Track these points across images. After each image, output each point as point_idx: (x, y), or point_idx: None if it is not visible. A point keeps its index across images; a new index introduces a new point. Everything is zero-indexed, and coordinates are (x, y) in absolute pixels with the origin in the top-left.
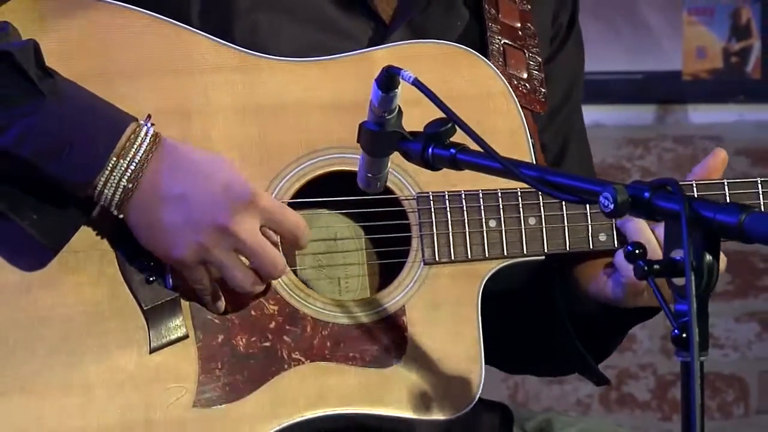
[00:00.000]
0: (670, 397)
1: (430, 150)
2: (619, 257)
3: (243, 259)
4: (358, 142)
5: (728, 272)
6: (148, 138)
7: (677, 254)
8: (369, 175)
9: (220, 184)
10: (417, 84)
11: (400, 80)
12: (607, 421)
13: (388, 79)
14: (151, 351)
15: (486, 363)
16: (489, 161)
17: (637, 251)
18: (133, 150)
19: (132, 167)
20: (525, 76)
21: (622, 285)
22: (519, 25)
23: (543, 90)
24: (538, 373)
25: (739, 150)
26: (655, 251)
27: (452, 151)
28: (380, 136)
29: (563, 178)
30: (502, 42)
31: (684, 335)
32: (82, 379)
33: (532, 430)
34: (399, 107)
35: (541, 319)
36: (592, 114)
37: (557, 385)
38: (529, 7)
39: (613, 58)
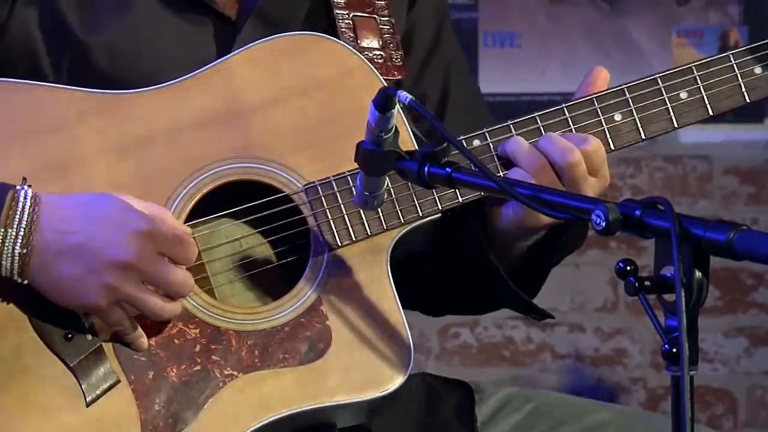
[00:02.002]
0: (661, 410)
1: (426, 169)
2: (510, 174)
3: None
4: (355, 161)
5: (717, 288)
6: (29, 200)
7: (668, 271)
8: (366, 193)
9: (110, 222)
10: (413, 104)
11: (397, 101)
12: (566, 395)
13: (385, 100)
14: (88, 404)
15: (407, 308)
16: (484, 180)
17: (628, 268)
18: (17, 216)
19: (21, 233)
20: (378, 44)
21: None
22: None
23: (400, 53)
24: (463, 311)
25: (728, 169)
26: (533, 155)
27: (448, 170)
28: (377, 155)
29: (557, 197)
30: (351, 15)
31: (674, 350)
32: None
33: (493, 406)
34: (395, 127)
35: (463, 264)
36: None
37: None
38: None
39: None
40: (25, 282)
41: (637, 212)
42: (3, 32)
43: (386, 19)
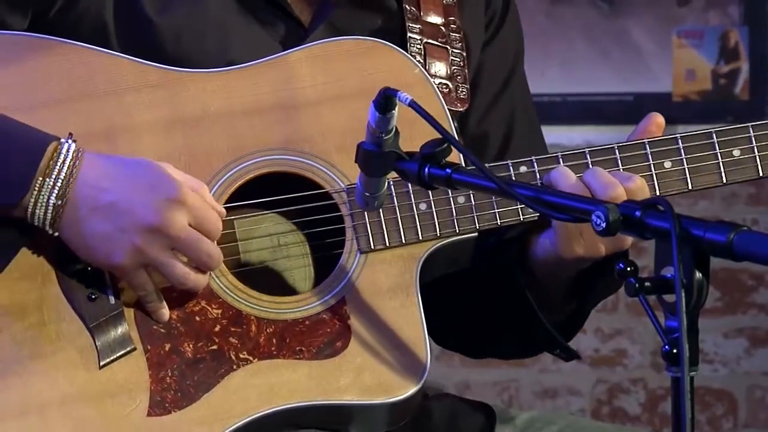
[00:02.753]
0: (660, 411)
1: (426, 170)
2: (551, 176)
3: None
4: (356, 162)
5: (717, 289)
6: (70, 154)
7: (668, 272)
8: (366, 194)
9: (145, 186)
10: (413, 105)
11: (397, 102)
12: (589, 420)
13: (386, 101)
14: (101, 366)
15: (448, 348)
16: (484, 181)
17: (628, 269)
18: (57, 167)
19: (59, 184)
20: (445, 74)
21: (554, 231)
22: (442, 20)
23: (466, 86)
24: (502, 354)
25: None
26: (576, 186)
27: (448, 170)
28: (377, 156)
29: (557, 198)
30: (424, 42)
31: (674, 351)
32: (36, 401)
33: (516, 429)
34: (396, 128)
35: (500, 298)
36: (584, 134)
37: (550, 399)
38: (454, 0)
39: (604, 79)
40: (56, 234)
41: (638, 213)
42: (76, 2)
43: (458, 52)
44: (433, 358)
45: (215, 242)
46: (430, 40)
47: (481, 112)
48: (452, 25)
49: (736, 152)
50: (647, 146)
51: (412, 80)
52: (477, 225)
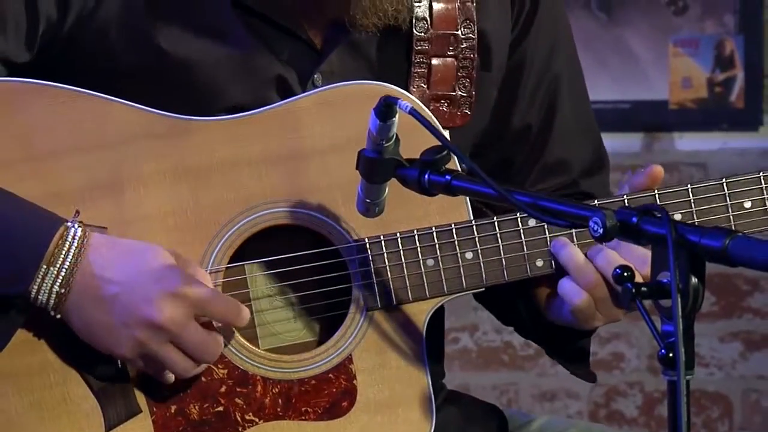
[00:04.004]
0: (657, 413)
1: (426, 176)
2: (562, 287)
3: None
4: (357, 169)
5: (713, 294)
6: (76, 241)
7: (664, 277)
8: (367, 201)
9: (150, 279)
10: (413, 113)
11: (397, 109)
12: (599, 425)
13: (386, 109)
14: (107, 430)
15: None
16: (483, 187)
17: (625, 274)
18: (62, 256)
19: (62, 273)
20: (449, 89)
21: (571, 313)
22: (457, 23)
23: (470, 98)
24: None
25: (723, 176)
26: (588, 273)
27: (447, 177)
28: (378, 163)
29: (555, 204)
30: (431, 57)
31: (671, 355)
32: None
33: None
34: (396, 135)
35: (505, 317)
36: None
37: (548, 402)
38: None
39: (602, 87)
40: (58, 317)
41: (634, 219)
42: (91, 19)
43: (468, 60)
44: None
45: (220, 336)
46: (437, 51)
47: (524, 106)
48: (467, 27)
49: (747, 204)
50: (657, 198)
51: (417, 124)
52: (485, 281)
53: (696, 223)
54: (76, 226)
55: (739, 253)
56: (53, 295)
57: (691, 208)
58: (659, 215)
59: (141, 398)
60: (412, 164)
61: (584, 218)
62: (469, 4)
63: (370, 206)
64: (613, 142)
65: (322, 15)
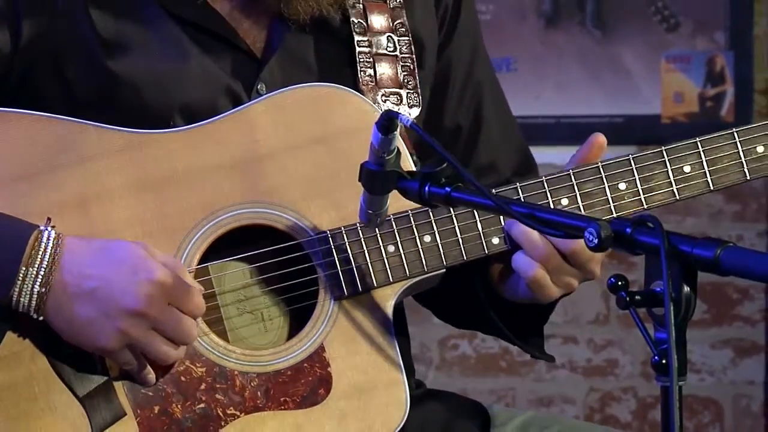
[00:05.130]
0: (650, 418)
1: (426, 188)
2: (516, 261)
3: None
4: (359, 181)
5: (704, 302)
6: (51, 241)
7: (657, 286)
8: (369, 212)
9: (125, 270)
10: (414, 126)
11: (399, 123)
12: (584, 423)
13: (388, 122)
14: None
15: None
16: (482, 199)
17: (619, 283)
18: (39, 256)
19: (41, 272)
20: (396, 82)
21: (526, 285)
22: (389, 26)
23: (416, 92)
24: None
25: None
26: (540, 246)
27: (447, 189)
28: (380, 175)
29: (552, 215)
30: (373, 54)
31: (663, 361)
32: None
33: (512, 431)
34: (398, 148)
35: (464, 304)
36: None
37: (544, 407)
38: (402, 1)
39: (596, 102)
40: (41, 318)
41: (628, 230)
42: (33, 48)
43: (407, 56)
44: (433, 367)
45: (197, 319)
46: (378, 51)
47: (453, 107)
48: (401, 29)
49: (687, 168)
50: (602, 170)
51: (370, 122)
52: (444, 262)
53: (640, 190)
54: (49, 229)
55: (729, 263)
56: (35, 296)
57: (634, 176)
58: (652, 226)
59: (125, 401)
60: (413, 176)
61: (580, 228)
62: (398, 8)
63: (373, 217)
64: (607, 154)
65: (257, 19)
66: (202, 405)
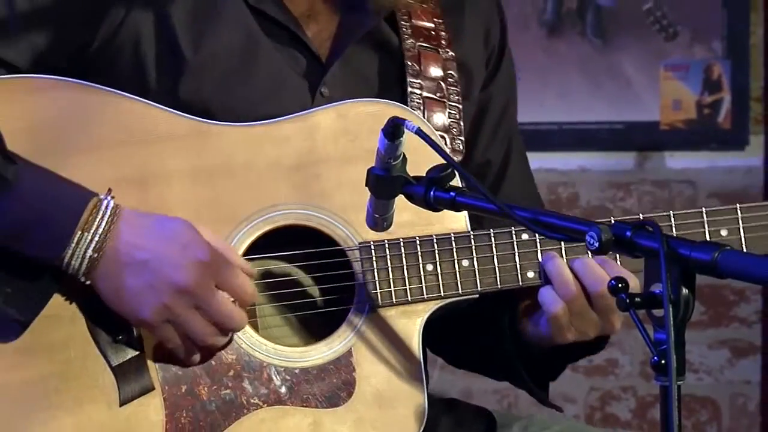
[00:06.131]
0: (649, 417)
1: (432, 193)
2: (542, 294)
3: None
4: (366, 185)
5: (702, 304)
6: (109, 210)
7: (656, 288)
8: (376, 215)
9: (177, 247)
10: (419, 133)
11: (405, 129)
12: (582, 424)
13: (394, 129)
14: (121, 404)
15: (436, 354)
16: (486, 203)
17: (619, 285)
18: (96, 223)
19: (96, 238)
20: (442, 126)
21: (547, 321)
22: (441, 74)
23: (461, 138)
24: (482, 373)
25: (711, 193)
26: (569, 285)
27: (452, 194)
28: (386, 180)
29: (554, 219)
30: (423, 96)
31: (663, 362)
32: None
33: None
34: (404, 154)
35: (488, 341)
36: (578, 160)
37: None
38: (453, 54)
39: (597, 109)
40: (87, 282)
41: (628, 233)
42: (115, 35)
43: (455, 105)
44: (438, 366)
45: (244, 305)
46: (428, 95)
47: (485, 141)
48: (450, 79)
49: (723, 232)
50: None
51: (424, 144)
52: (479, 287)
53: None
54: (109, 198)
55: (727, 266)
56: (86, 260)
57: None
58: (652, 230)
59: (154, 376)
60: (419, 181)
61: (581, 232)
62: (450, 60)
63: (379, 221)
64: (607, 160)
65: (325, 26)
66: (227, 390)
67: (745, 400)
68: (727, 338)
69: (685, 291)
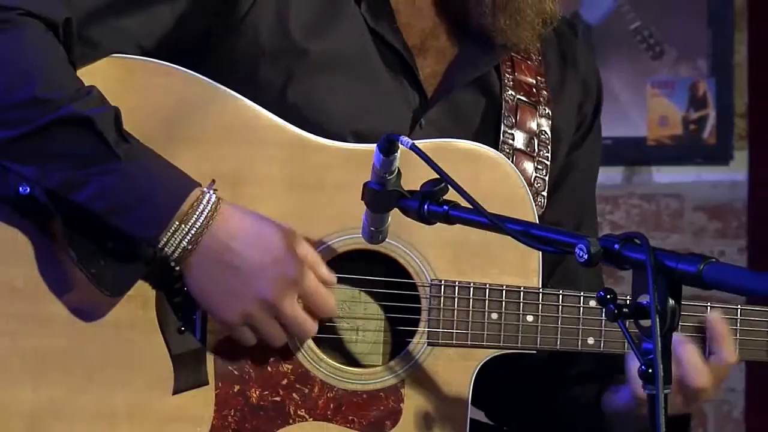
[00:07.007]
0: None
1: (425, 207)
2: (634, 371)
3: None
4: (362, 200)
5: None
6: (210, 205)
7: (643, 299)
8: (372, 229)
9: (270, 259)
10: (414, 148)
11: (399, 145)
12: None
13: (389, 144)
14: (174, 392)
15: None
16: (478, 217)
17: (608, 296)
18: (195, 216)
19: (193, 231)
20: (527, 180)
21: (632, 396)
22: (535, 130)
23: (543, 195)
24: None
25: (697, 207)
26: (699, 372)
27: (445, 207)
28: (382, 194)
29: (545, 232)
30: (514, 147)
31: (650, 370)
32: (109, 409)
33: None
34: (398, 169)
35: (565, 409)
36: None
37: None
38: (549, 112)
39: None
40: (177, 268)
41: (616, 246)
42: (240, 23)
43: (543, 161)
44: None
45: (321, 317)
46: (519, 147)
47: (560, 204)
48: (542, 136)
49: None
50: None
51: (516, 196)
52: (538, 344)
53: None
54: (211, 192)
55: (712, 278)
56: (179, 249)
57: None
58: (639, 242)
59: (211, 371)
60: (413, 195)
61: (571, 245)
62: (543, 90)
63: (374, 234)
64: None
65: (437, 59)
66: (277, 398)
67: (730, 407)
68: None
69: (671, 302)
